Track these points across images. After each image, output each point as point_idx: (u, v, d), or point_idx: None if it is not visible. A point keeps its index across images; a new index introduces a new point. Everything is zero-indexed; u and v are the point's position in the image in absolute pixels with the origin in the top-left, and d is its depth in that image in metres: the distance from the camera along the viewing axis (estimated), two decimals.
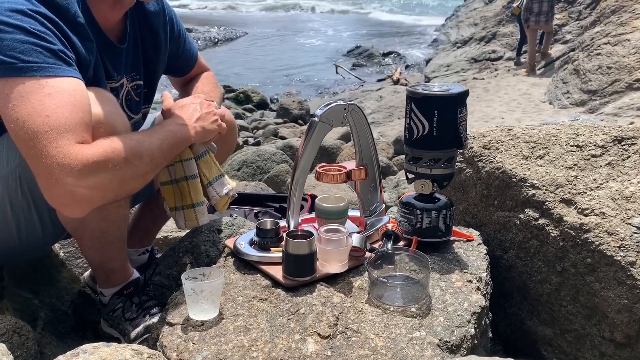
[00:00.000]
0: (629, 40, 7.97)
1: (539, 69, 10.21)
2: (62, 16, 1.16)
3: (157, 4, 1.49)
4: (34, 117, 1.06)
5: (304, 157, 1.33)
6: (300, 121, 9.40)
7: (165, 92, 1.48)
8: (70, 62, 1.15)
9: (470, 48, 13.28)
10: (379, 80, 12.89)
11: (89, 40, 1.23)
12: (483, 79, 10.73)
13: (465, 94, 1.27)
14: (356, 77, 13.39)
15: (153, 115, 1.65)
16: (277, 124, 8.89)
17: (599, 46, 8.42)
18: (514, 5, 11.08)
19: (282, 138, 7.29)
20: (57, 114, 1.07)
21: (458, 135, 1.28)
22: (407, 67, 14.11)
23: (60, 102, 1.08)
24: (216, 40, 18.74)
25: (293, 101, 10.05)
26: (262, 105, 11.01)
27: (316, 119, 1.31)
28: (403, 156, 1.48)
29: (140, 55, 1.46)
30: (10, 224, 1.31)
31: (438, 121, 1.26)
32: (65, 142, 1.06)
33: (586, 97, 7.95)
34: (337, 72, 13.85)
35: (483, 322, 1.19)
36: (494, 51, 12.36)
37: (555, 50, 10.66)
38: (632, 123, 6.13)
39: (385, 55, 15.27)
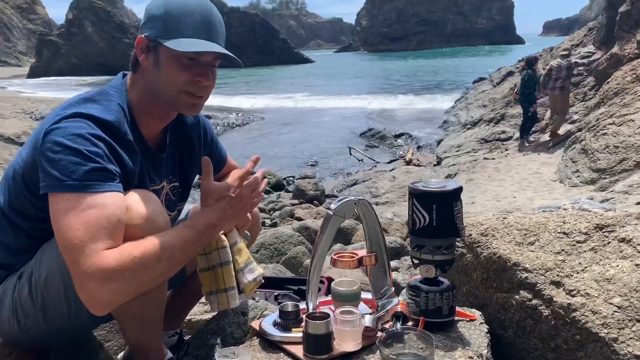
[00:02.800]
0: (633, 121, 8.23)
1: (548, 147, 10.47)
2: (114, 135, 1.40)
3: (194, 118, 1.74)
4: (69, 230, 1.28)
5: (320, 245, 1.51)
6: (315, 202, 9.64)
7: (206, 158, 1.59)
8: (112, 177, 1.36)
9: (480, 129, 13.68)
10: (392, 161, 13.23)
11: (135, 154, 1.46)
12: (494, 158, 10.99)
13: (459, 190, 1.47)
14: (370, 158, 13.76)
15: (188, 207, 1.88)
16: (293, 204, 9.13)
17: (604, 126, 8.69)
18: (514, 91, 11.64)
19: (299, 219, 7.48)
20: (87, 227, 1.27)
21: (455, 225, 1.46)
22: (419, 147, 14.49)
23: (92, 216, 1.28)
24: (234, 125, 19.51)
25: (308, 182, 10.36)
26: (279, 186, 11.33)
27: (331, 212, 1.51)
28: None
29: (177, 162, 1.70)
30: (62, 308, 1.48)
31: (437, 214, 1.45)
32: (89, 252, 1.26)
33: (596, 176, 8.11)
34: (350, 154, 14.27)
35: None
36: (503, 132, 12.73)
37: (563, 130, 10.97)
38: None
39: (397, 136, 15.73)
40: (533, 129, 11.56)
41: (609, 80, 9.83)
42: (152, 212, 1.41)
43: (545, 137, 11.09)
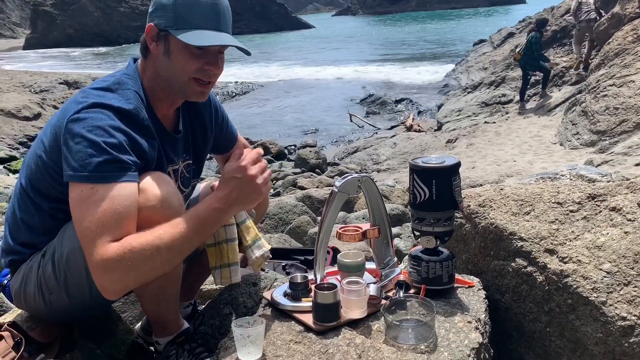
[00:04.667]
0: (633, 82, 8.22)
1: (552, 109, 10.46)
2: (133, 124, 1.46)
3: None
4: (82, 221, 1.37)
5: (326, 220, 1.60)
6: (317, 170, 9.73)
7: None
8: (126, 167, 1.41)
9: (480, 92, 13.64)
10: (393, 127, 13.24)
11: (153, 139, 1.53)
12: (494, 122, 11.01)
13: (457, 165, 1.54)
14: (370, 124, 13.77)
15: (200, 185, 1.96)
16: (295, 173, 9.22)
17: (604, 88, 8.68)
18: (516, 50, 11.47)
19: (302, 188, 7.57)
20: (96, 219, 1.35)
21: (454, 198, 1.54)
22: (419, 113, 14.48)
23: (101, 209, 1.36)
24: (234, 94, 19.43)
25: (310, 151, 10.42)
26: (281, 156, 11.40)
27: (335, 189, 1.58)
28: None
29: (190, 140, 1.77)
30: (84, 285, 1.57)
31: (436, 188, 1.53)
32: (98, 243, 1.34)
33: (596, 138, 8.14)
34: (351, 121, 14.27)
35: (482, 356, 1.42)
36: (503, 95, 12.70)
37: (564, 92, 10.96)
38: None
39: (398, 102, 15.68)
40: (532, 90, 11.55)
41: (609, 40, 9.76)
42: (166, 193, 1.49)
43: (552, 98, 11.08)
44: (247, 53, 1.59)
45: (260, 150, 1.56)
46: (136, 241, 1.37)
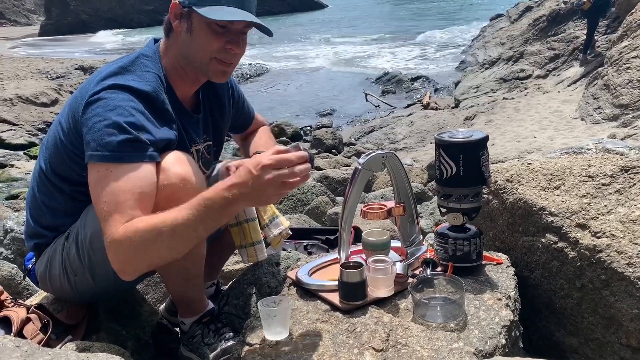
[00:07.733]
0: None
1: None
2: (151, 106, 1.45)
3: None
4: (98, 202, 1.36)
5: (350, 198, 1.56)
6: (334, 151, 9.68)
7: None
8: (144, 148, 1.39)
9: (498, 68, 13.41)
10: (409, 106, 13.10)
11: (172, 122, 1.51)
12: (513, 98, 10.84)
13: (485, 139, 1.49)
14: (386, 103, 13.65)
15: (218, 165, 1.94)
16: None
17: (627, 60, 8.47)
18: (584, 1, 10.91)
19: (318, 169, 7.54)
20: (110, 200, 1.34)
21: (482, 174, 1.50)
22: (436, 90, 14.30)
23: (116, 188, 1.34)
24: (248, 75, 19.35)
25: (326, 132, 10.36)
26: (296, 137, 11.35)
27: (359, 166, 1.55)
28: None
29: (209, 121, 1.75)
30: (107, 266, 1.56)
31: (464, 163, 1.49)
32: (110, 223, 1.33)
33: (618, 112, 7.98)
34: (367, 100, 14.15)
35: (513, 334, 1.39)
36: (522, 70, 12.47)
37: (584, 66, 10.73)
38: None
39: (414, 79, 15.48)
40: (552, 64, 11.31)
41: (633, 11, 9.49)
42: (187, 172, 1.47)
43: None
44: (269, 34, 1.56)
45: (301, 154, 1.31)
46: (141, 223, 1.34)
